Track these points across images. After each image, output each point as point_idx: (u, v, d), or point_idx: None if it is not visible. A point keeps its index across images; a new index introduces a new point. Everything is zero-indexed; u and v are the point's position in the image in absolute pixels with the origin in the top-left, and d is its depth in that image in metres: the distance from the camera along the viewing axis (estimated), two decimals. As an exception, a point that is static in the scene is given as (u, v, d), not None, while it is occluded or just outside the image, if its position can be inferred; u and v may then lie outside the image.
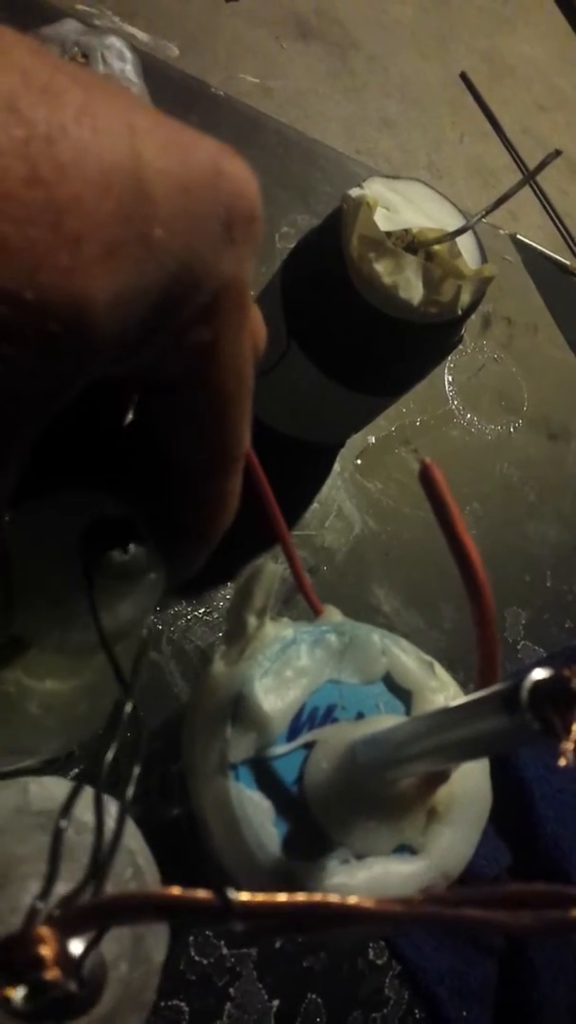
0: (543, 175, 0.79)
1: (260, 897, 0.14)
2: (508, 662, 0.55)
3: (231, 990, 0.42)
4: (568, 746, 0.17)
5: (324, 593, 0.45)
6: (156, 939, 0.23)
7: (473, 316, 0.66)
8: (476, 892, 0.15)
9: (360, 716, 0.27)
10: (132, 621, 0.21)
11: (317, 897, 0.14)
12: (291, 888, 0.24)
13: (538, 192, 0.83)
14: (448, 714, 0.22)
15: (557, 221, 0.83)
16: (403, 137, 1.05)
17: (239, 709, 0.26)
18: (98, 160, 0.14)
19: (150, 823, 0.27)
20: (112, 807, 0.22)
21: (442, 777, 0.26)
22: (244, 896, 0.13)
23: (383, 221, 0.42)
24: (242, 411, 0.19)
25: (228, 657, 0.27)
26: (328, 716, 0.27)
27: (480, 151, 0.98)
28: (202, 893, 0.13)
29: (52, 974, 0.14)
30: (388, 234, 0.42)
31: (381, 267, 0.41)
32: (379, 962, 0.45)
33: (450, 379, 0.62)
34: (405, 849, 0.26)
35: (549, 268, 0.68)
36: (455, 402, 0.62)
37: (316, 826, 0.25)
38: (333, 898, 0.14)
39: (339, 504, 0.54)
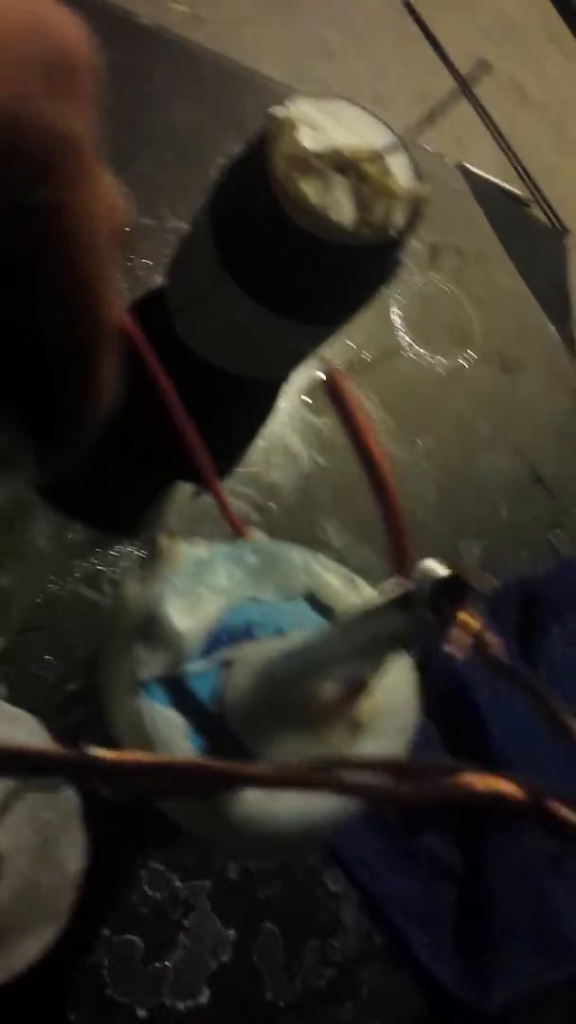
0: (491, 102, 0.77)
1: (125, 755, 0.13)
2: (462, 593, 0.55)
3: (185, 922, 0.42)
4: (455, 634, 0.17)
5: (272, 530, 0.44)
6: (70, 844, 0.23)
7: (421, 247, 0.65)
8: (358, 758, 0.15)
9: (280, 633, 0.27)
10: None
11: (184, 757, 0.13)
12: (209, 803, 0.24)
13: (485, 118, 0.81)
14: (357, 617, 0.21)
15: (506, 148, 0.81)
16: (345, 66, 1.02)
17: (149, 628, 0.25)
18: None
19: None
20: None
21: (362, 688, 0.25)
22: (107, 753, 0.13)
23: (310, 141, 0.41)
24: (101, 284, 0.18)
25: (141, 579, 0.27)
26: (247, 634, 0.27)
27: (425, 80, 0.95)
28: (64, 750, 0.13)
29: None
30: (316, 154, 0.41)
31: (308, 188, 0.40)
32: (337, 890, 0.45)
33: (399, 312, 0.61)
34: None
35: (499, 197, 0.67)
36: (404, 336, 0.61)
37: (235, 742, 0.25)
38: (202, 759, 0.14)
39: (285, 441, 0.54)
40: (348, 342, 0.59)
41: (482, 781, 0.13)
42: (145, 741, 0.25)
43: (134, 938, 0.41)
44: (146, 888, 0.42)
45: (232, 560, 0.27)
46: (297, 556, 0.28)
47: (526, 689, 0.15)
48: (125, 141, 0.59)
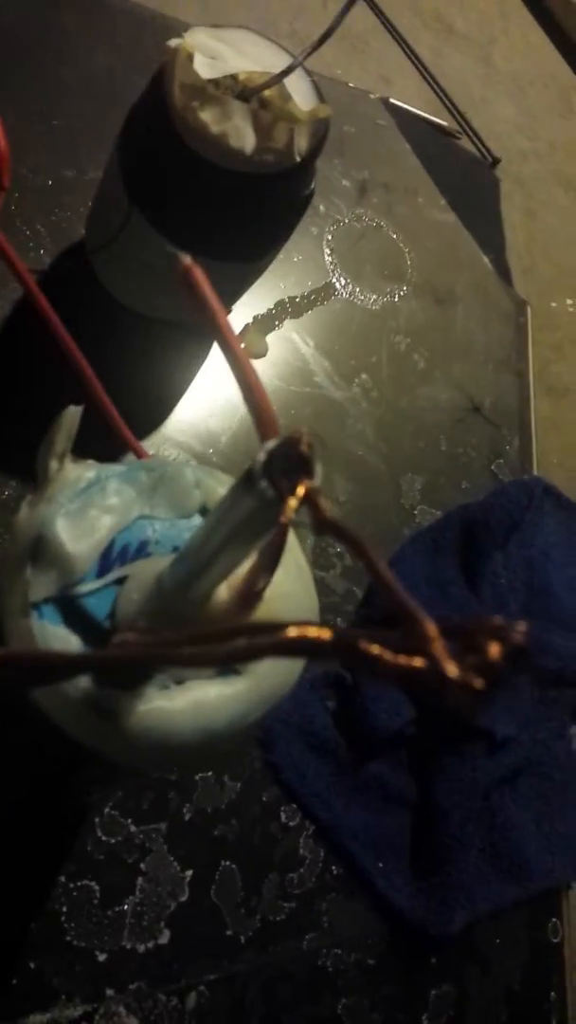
0: (417, 39, 0.76)
1: None
2: (407, 528, 0.55)
3: (142, 865, 0.42)
4: (290, 505, 0.17)
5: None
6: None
7: (348, 184, 0.65)
8: (183, 633, 0.14)
9: (176, 551, 0.27)
10: None
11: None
12: (106, 718, 0.24)
13: (408, 52, 0.80)
14: (219, 507, 0.21)
15: (431, 81, 0.80)
16: (262, 6, 1.00)
17: (38, 549, 0.25)
18: None
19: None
20: None
21: (255, 597, 0.25)
22: None
23: (207, 69, 0.41)
24: None
25: (31, 503, 0.27)
26: (141, 552, 0.27)
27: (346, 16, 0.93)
28: None
29: None
30: (215, 83, 0.40)
31: (207, 116, 0.39)
32: (292, 824, 0.46)
33: (328, 251, 0.61)
34: (229, 671, 0.26)
35: (425, 130, 0.66)
36: (336, 274, 0.60)
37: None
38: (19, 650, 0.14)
39: (221, 387, 0.53)
40: (280, 284, 0.59)
41: (296, 631, 0.13)
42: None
43: (91, 883, 0.42)
44: (100, 833, 0.42)
45: (124, 479, 0.27)
46: (190, 473, 0.28)
47: (354, 547, 0.15)
48: (42, 94, 0.58)
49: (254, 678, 0.26)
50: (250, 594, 0.25)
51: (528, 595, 0.52)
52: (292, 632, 0.13)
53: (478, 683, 0.13)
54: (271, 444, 0.17)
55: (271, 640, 0.13)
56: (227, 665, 0.13)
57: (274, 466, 0.17)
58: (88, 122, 0.59)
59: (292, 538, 0.28)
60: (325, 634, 0.13)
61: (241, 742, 0.45)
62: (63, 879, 0.41)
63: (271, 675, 0.26)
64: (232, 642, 0.13)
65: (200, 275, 0.23)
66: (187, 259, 0.22)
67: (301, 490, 0.16)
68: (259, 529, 0.19)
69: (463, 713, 0.13)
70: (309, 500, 0.16)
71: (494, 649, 0.13)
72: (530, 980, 0.49)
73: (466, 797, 0.45)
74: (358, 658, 0.13)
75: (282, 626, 0.14)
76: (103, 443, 0.32)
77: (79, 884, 0.41)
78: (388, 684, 0.12)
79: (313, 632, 0.13)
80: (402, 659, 0.13)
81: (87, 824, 0.42)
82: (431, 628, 0.13)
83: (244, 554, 0.21)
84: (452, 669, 0.13)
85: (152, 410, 0.52)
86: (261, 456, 0.17)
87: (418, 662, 0.13)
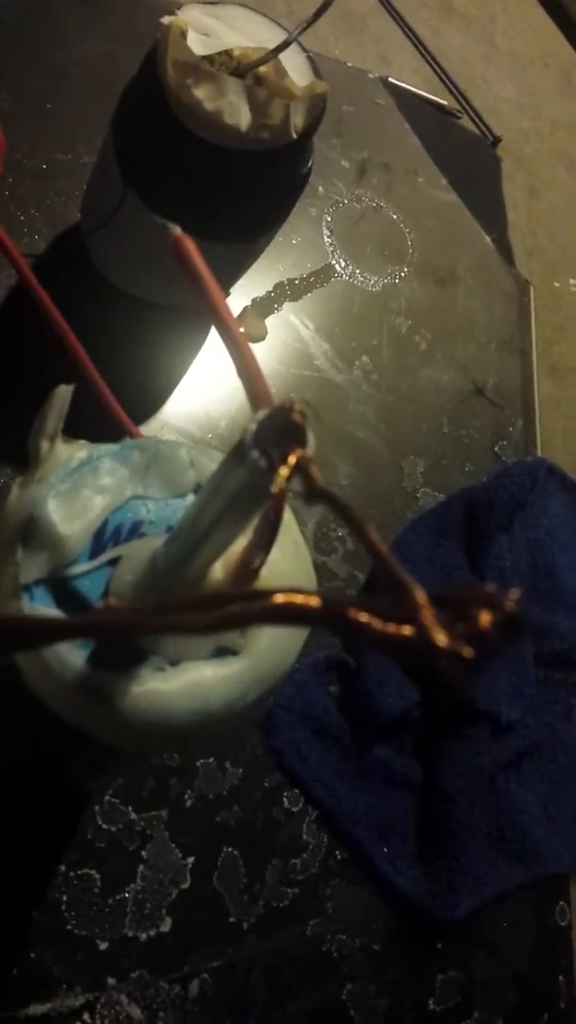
0: (414, 17, 0.75)
1: None
2: (409, 511, 0.54)
3: (143, 853, 0.42)
4: (281, 474, 0.16)
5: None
6: None
7: (348, 164, 0.64)
8: (168, 600, 0.14)
9: (171, 530, 0.26)
10: None
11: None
12: (100, 701, 0.24)
13: (407, 30, 0.79)
14: (212, 481, 0.21)
15: (431, 60, 0.79)
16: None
17: (29, 530, 0.24)
18: None
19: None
20: None
21: (251, 576, 0.25)
22: None
23: (200, 46, 0.40)
24: None
25: (22, 484, 0.26)
26: (135, 532, 0.26)
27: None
28: None
29: None
30: (209, 59, 0.40)
31: (201, 93, 0.39)
32: (294, 809, 0.45)
33: (328, 232, 0.60)
34: (225, 652, 0.25)
35: (425, 109, 0.65)
36: (336, 256, 0.60)
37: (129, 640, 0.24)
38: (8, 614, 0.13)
39: (219, 371, 0.53)
40: (278, 266, 0.58)
41: (283, 597, 0.13)
42: (29, 643, 0.24)
43: (91, 872, 0.41)
44: (100, 821, 0.42)
45: (117, 459, 0.27)
46: (184, 452, 0.27)
47: (344, 514, 0.14)
48: (38, 79, 0.58)
49: (251, 658, 0.25)
50: (246, 572, 0.24)
51: (533, 577, 0.51)
52: (279, 598, 0.12)
53: (468, 652, 0.12)
54: (262, 414, 0.16)
55: (258, 606, 0.12)
56: (213, 632, 0.13)
57: (265, 436, 0.16)
58: (82, 106, 0.58)
59: (289, 516, 0.27)
60: (313, 600, 0.12)
61: (238, 723, 0.45)
62: (63, 868, 0.41)
63: (268, 655, 0.25)
64: (218, 609, 0.13)
65: (190, 244, 0.22)
66: (177, 229, 0.22)
67: (292, 459, 0.15)
68: (252, 502, 0.19)
69: (454, 684, 0.12)
70: (301, 469, 0.15)
71: (484, 617, 0.12)
72: (538, 964, 0.48)
73: (472, 781, 0.45)
74: (346, 626, 0.12)
75: (269, 593, 0.13)
76: (97, 427, 0.32)
77: (80, 872, 0.41)
78: (377, 653, 0.12)
79: (300, 599, 0.12)
80: (391, 627, 0.12)
81: (87, 812, 0.42)
82: (420, 596, 0.12)
83: (238, 530, 0.20)
84: (441, 638, 0.12)
85: (149, 395, 0.52)
86: (252, 426, 0.16)
87: (407, 630, 0.12)
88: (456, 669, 0.12)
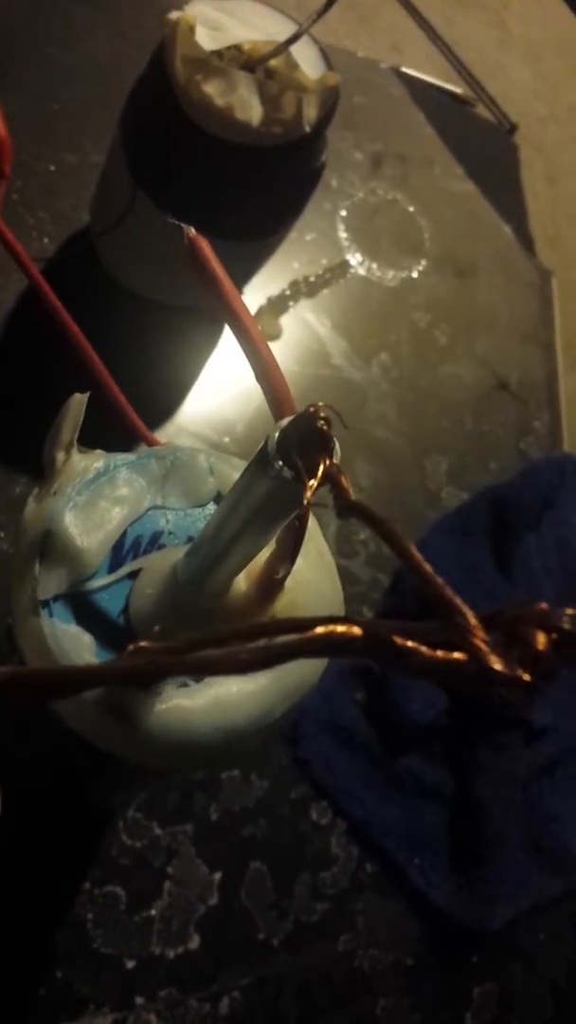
0: (426, 5, 0.74)
1: None
2: (433, 511, 0.53)
3: (169, 868, 0.41)
4: (311, 485, 0.15)
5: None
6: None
7: (362, 156, 0.63)
8: (202, 635, 0.13)
9: (191, 541, 0.25)
10: None
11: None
12: (122, 719, 0.23)
13: (421, 21, 0.77)
14: (233, 492, 0.19)
15: (444, 49, 0.78)
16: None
17: (46, 545, 0.23)
18: None
19: None
20: None
21: (276, 586, 0.24)
22: None
23: (209, 41, 0.39)
24: None
25: (38, 498, 0.25)
26: (155, 543, 0.25)
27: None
28: None
29: None
30: (218, 54, 0.39)
31: (211, 88, 0.38)
32: (323, 822, 0.44)
33: (343, 227, 0.59)
34: (249, 670, 0.24)
35: (439, 98, 0.64)
36: (351, 251, 0.58)
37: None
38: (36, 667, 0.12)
39: (235, 373, 0.52)
40: (293, 263, 0.57)
41: (324, 628, 0.11)
42: (48, 659, 0.23)
43: (117, 889, 0.40)
44: (125, 837, 0.41)
45: (134, 468, 0.26)
46: (203, 459, 0.26)
47: (383, 531, 0.13)
48: (45, 79, 0.57)
49: (277, 673, 0.24)
50: (270, 584, 0.23)
51: (563, 578, 0.50)
52: (320, 631, 0.11)
53: (526, 677, 0.11)
54: (285, 421, 0.15)
55: (297, 641, 0.11)
56: (251, 672, 0.12)
57: (289, 444, 0.15)
58: (90, 106, 0.57)
59: (313, 524, 0.26)
60: (355, 630, 0.11)
61: (265, 740, 0.43)
62: (88, 885, 0.40)
63: (295, 669, 0.24)
64: (255, 643, 0.12)
65: (206, 245, 0.21)
66: (191, 230, 0.20)
67: (321, 469, 0.14)
68: (276, 513, 0.17)
69: (512, 709, 0.11)
70: (331, 479, 0.14)
71: (540, 639, 0.11)
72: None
73: (504, 789, 0.44)
74: (392, 654, 0.11)
75: (308, 623, 0.12)
76: (112, 436, 0.31)
77: (105, 890, 0.40)
78: (425, 680, 0.11)
79: (342, 629, 0.11)
80: (441, 654, 0.11)
81: (111, 828, 0.41)
82: (472, 619, 0.11)
83: (263, 541, 0.19)
84: (497, 663, 0.11)
85: (164, 399, 0.51)
86: (275, 434, 0.15)
87: (459, 656, 0.11)
88: (515, 695, 0.11)
